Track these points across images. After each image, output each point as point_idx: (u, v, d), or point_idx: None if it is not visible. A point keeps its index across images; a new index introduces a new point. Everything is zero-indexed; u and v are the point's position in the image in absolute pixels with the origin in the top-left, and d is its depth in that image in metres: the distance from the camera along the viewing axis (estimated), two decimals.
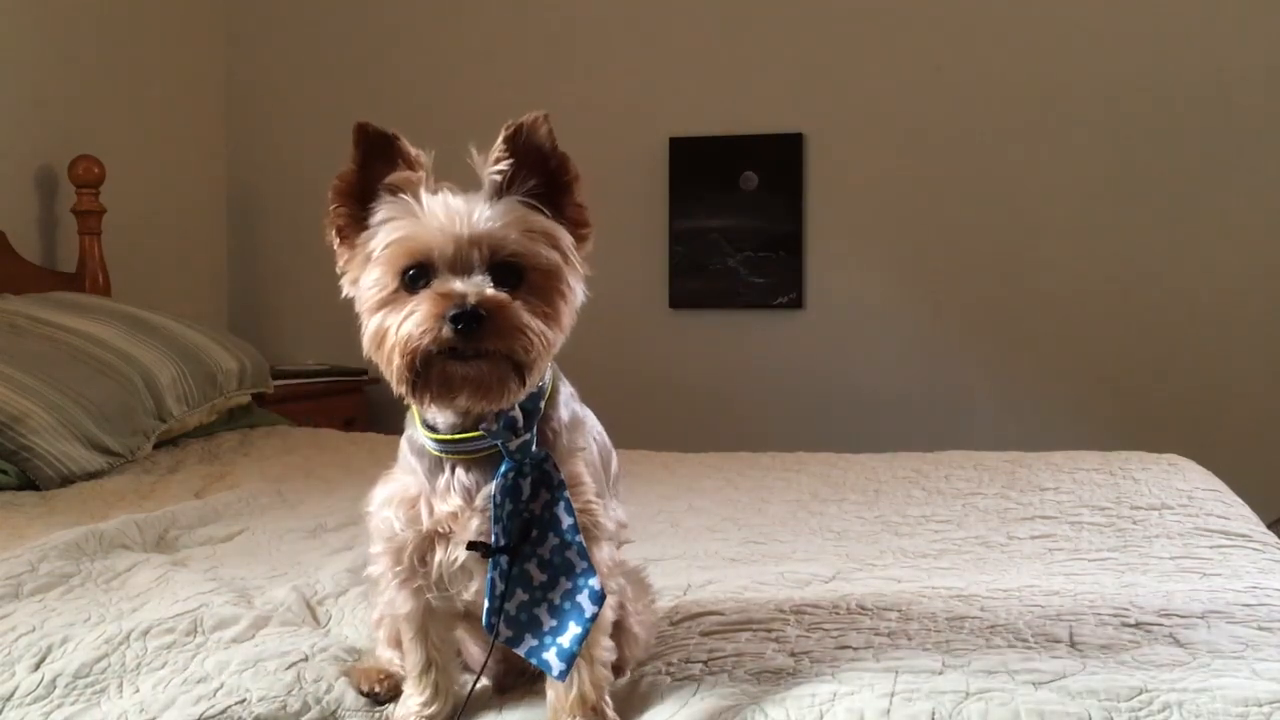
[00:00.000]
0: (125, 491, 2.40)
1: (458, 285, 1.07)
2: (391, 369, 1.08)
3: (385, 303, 1.10)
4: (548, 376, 1.16)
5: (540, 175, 1.14)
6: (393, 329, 1.07)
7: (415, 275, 1.09)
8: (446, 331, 1.04)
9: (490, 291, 1.07)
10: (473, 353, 1.06)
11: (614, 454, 1.32)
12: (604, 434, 1.30)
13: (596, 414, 1.29)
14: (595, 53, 4.01)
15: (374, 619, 1.33)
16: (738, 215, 3.86)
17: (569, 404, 1.22)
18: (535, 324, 1.08)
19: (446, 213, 1.09)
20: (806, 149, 3.84)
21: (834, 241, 3.84)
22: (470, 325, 1.04)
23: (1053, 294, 3.71)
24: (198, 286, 4.16)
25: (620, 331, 3.83)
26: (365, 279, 1.11)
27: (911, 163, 3.79)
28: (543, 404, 1.16)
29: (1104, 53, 3.64)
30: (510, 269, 1.09)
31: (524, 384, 1.09)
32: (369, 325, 1.11)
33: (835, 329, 3.85)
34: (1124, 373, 3.67)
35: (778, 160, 3.84)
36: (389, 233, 1.10)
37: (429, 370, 1.07)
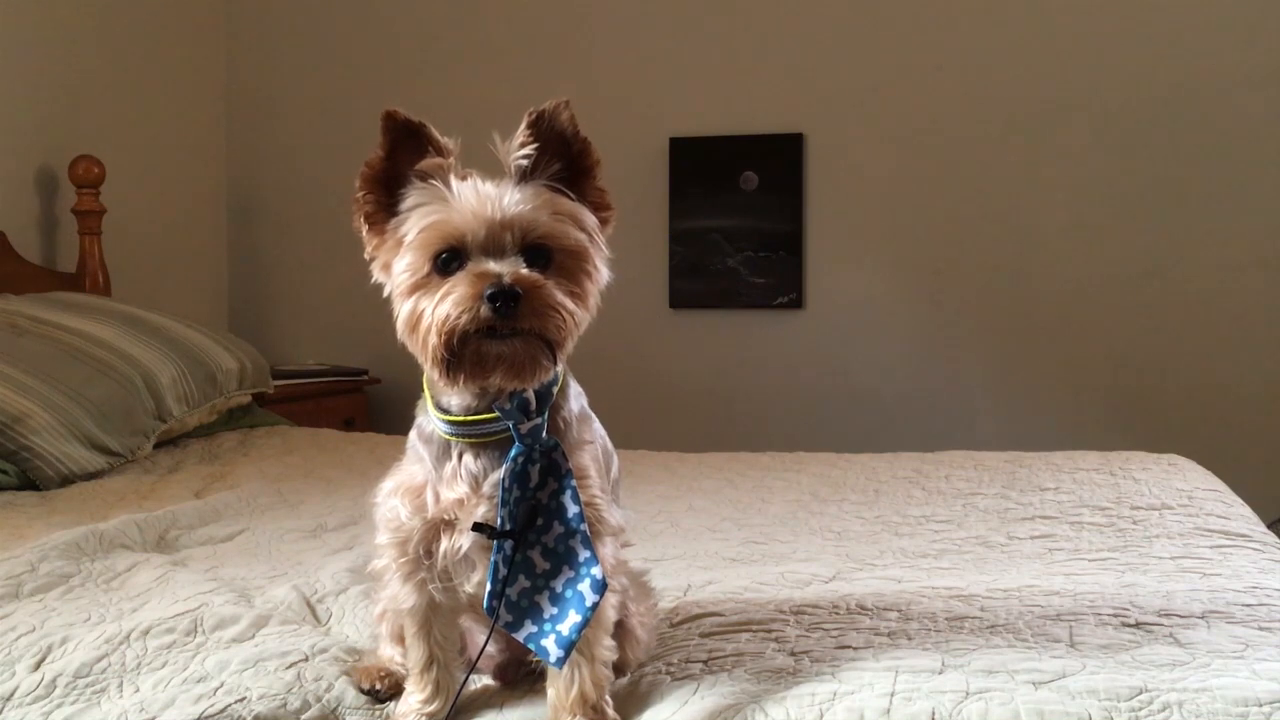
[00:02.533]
0: (125, 491, 2.40)
1: (493, 266, 1.09)
2: (427, 350, 1.10)
3: (418, 286, 1.12)
4: (560, 367, 1.17)
5: (563, 160, 1.17)
6: (428, 310, 1.09)
7: (448, 259, 1.11)
8: (485, 310, 1.07)
9: (525, 271, 1.09)
10: (509, 331, 1.08)
11: (615, 458, 1.32)
12: (606, 438, 1.31)
13: (597, 414, 1.30)
14: (595, 53, 4.01)
15: (377, 614, 1.34)
16: (738, 215, 3.86)
17: (578, 399, 1.23)
18: (567, 303, 1.11)
19: (478, 197, 1.11)
20: (806, 149, 3.84)
21: (834, 241, 3.84)
22: (508, 304, 1.07)
23: (1053, 293, 3.71)
24: (198, 286, 4.16)
25: (620, 331, 3.82)
26: (397, 264, 1.13)
27: (911, 163, 3.79)
28: (555, 391, 1.17)
29: (1104, 52, 3.65)
30: (540, 251, 1.12)
31: (554, 362, 1.12)
32: (402, 309, 1.13)
33: (835, 329, 3.85)
34: (1124, 373, 3.67)
35: (778, 160, 3.84)
36: (421, 218, 1.12)
37: (464, 349, 1.09)
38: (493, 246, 1.10)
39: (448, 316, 1.08)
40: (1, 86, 3.35)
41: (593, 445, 1.23)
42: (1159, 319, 3.64)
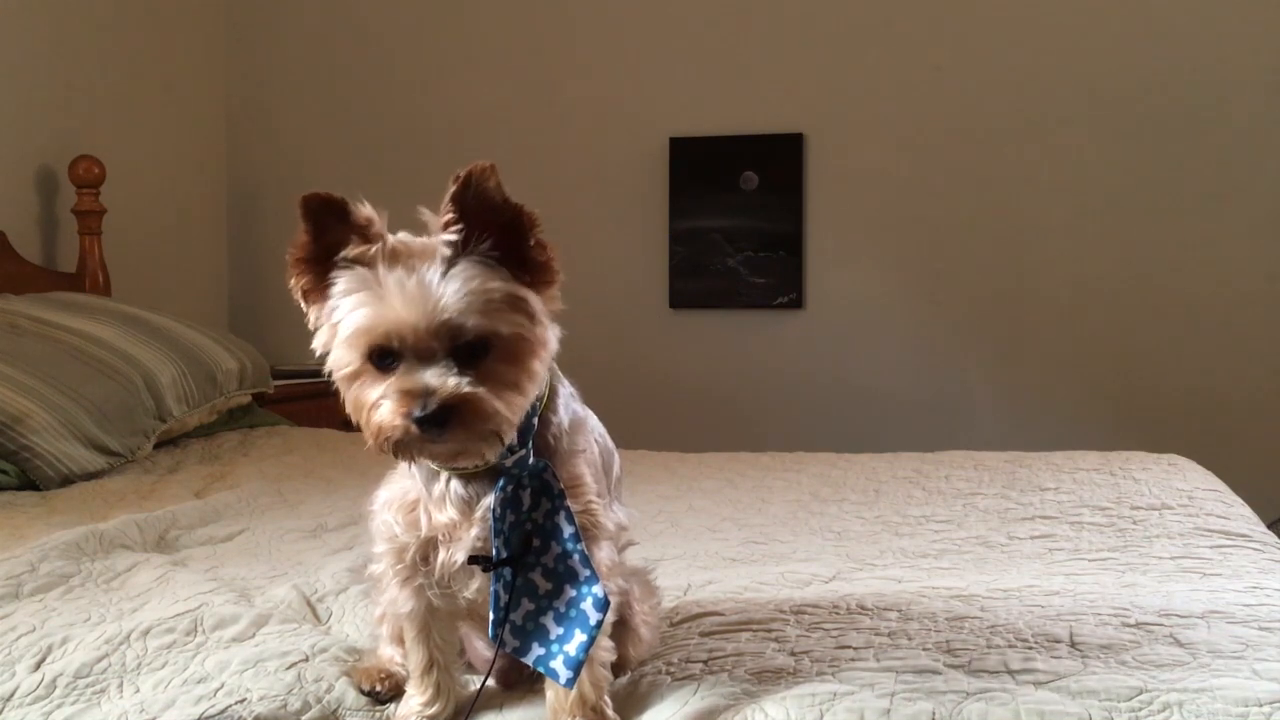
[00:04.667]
0: (125, 491, 2.40)
1: (420, 380, 1.05)
2: (369, 441, 1.09)
3: (356, 376, 1.10)
4: (544, 382, 1.15)
5: (494, 229, 1.10)
6: (365, 408, 1.08)
7: (381, 355, 1.08)
8: (413, 430, 1.05)
9: (452, 382, 1.05)
10: (443, 439, 1.06)
11: (616, 456, 1.31)
12: (606, 436, 1.30)
13: (597, 414, 1.29)
14: (595, 53, 4.01)
15: (376, 616, 1.33)
16: (738, 215, 3.86)
17: (568, 405, 1.21)
18: (501, 407, 1.07)
19: (403, 297, 1.06)
20: (806, 149, 3.84)
21: (834, 241, 3.84)
22: (433, 425, 1.04)
23: (1053, 294, 3.71)
24: (198, 286, 4.16)
25: (620, 331, 3.82)
26: (334, 353, 1.11)
27: (911, 163, 3.79)
28: (536, 419, 1.15)
29: (1104, 53, 3.65)
30: (474, 347, 1.07)
31: (502, 444, 1.09)
32: (345, 394, 1.11)
33: (835, 329, 3.85)
34: (1124, 373, 3.67)
35: (778, 160, 3.84)
36: (349, 311, 1.09)
37: (405, 449, 1.08)
38: (422, 350, 1.06)
39: (380, 427, 1.06)
40: (1, 86, 3.35)
41: (586, 452, 1.21)
42: (1159, 319, 3.64)
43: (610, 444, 1.31)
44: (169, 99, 4.02)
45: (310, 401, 3.70)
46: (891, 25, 3.79)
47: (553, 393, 1.18)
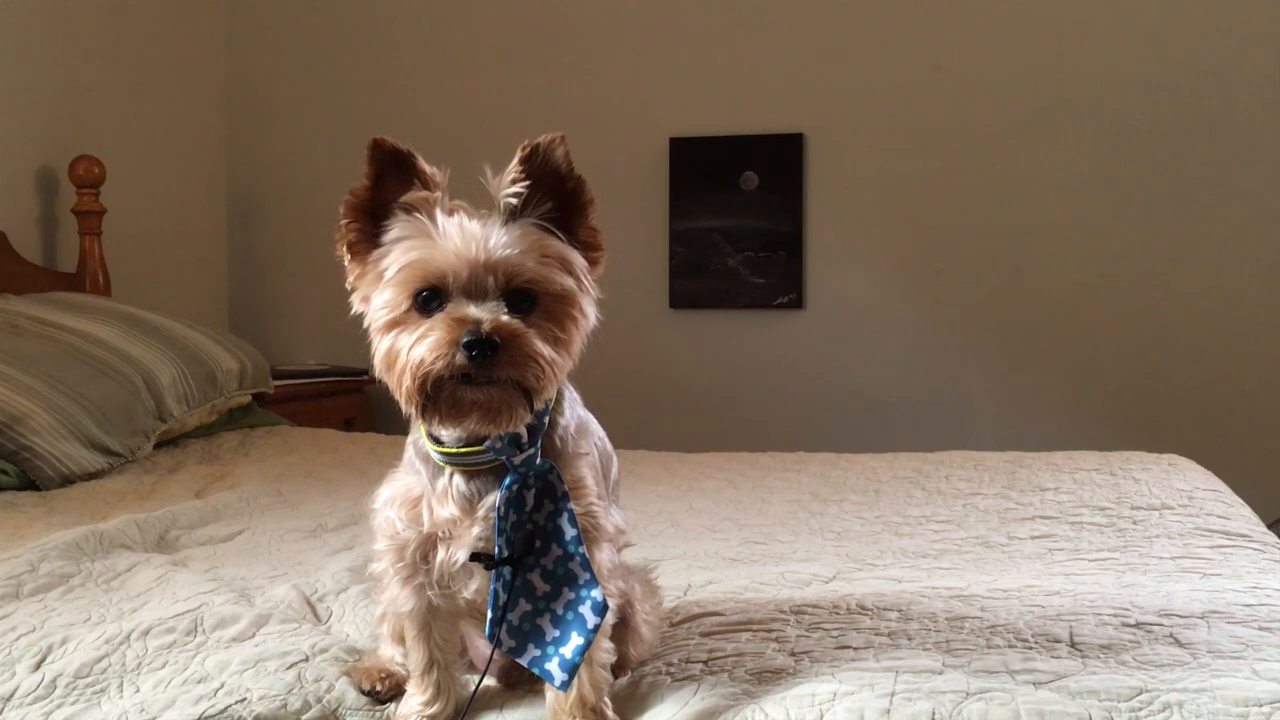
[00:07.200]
0: (125, 491, 2.40)
1: (472, 311, 1.06)
2: (401, 390, 1.08)
3: (397, 323, 1.09)
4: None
5: (555, 198, 1.13)
6: (404, 351, 1.07)
7: (428, 298, 1.08)
8: (460, 358, 1.04)
9: (505, 318, 1.06)
10: (485, 379, 1.06)
11: (614, 459, 1.32)
12: (605, 439, 1.30)
13: (596, 414, 1.29)
14: (595, 53, 4.01)
15: (377, 615, 1.34)
16: (738, 215, 3.86)
17: (574, 408, 1.22)
18: (547, 352, 1.08)
19: (463, 236, 1.08)
20: (806, 149, 3.84)
21: (834, 241, 3.84)
22: (484, 353, 1.04)
23: (1053, 294, 3.71)
24: (198, 286, 4.16)
25: (620, 331, 3.81)
26: (377, 298, 1.11)
27: (912, 162, 3.79)
28: (546, 418, 1.15)
29: (1104, 52, 3.65)
30: (524, 295, 1.09)
31: (532, 409, 1.09)
32: (380, 345, 1.10)
33: (835, 329, 3.85)
34: (1124, 373, 3.67)
35: (778, 160, 3.84)
36: (403, 253, 1.09)
37: (439, 394, 1.07)
38: (475, 289, 1.07)
39: (422, 360, 1.05)
40: (1, 86, 3.35)
41: (589, 455, 1.22)
42: (1159, 319, 3.64)
43: (609, 447, 1.31)
44: (169, 99, 4.02)
45: (310, 401, 3.71)
46: (891, 25, 3.79)
47: (559, 395, 1.19)
